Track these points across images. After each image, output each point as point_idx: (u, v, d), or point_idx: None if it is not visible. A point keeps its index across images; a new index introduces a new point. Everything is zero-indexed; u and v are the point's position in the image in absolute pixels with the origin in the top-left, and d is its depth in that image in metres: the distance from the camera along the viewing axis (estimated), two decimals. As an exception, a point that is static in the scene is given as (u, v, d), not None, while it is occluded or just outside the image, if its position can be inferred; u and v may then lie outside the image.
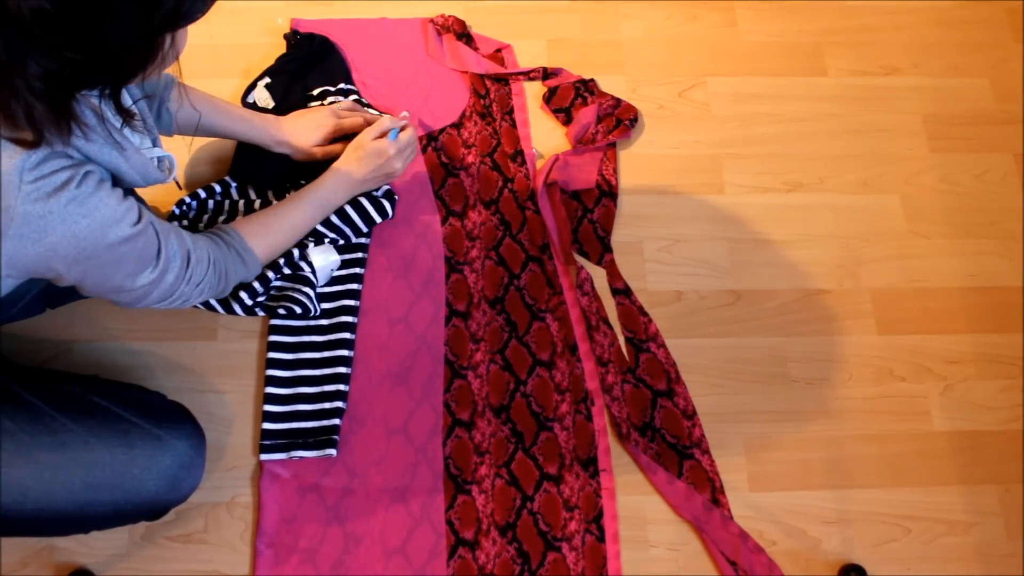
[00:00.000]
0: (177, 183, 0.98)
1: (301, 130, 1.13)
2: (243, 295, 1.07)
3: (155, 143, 0.89)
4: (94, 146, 0.74)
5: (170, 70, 0.75)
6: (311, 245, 1.10)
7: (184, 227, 1.11)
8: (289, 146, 1.13)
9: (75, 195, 0.70)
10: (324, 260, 1.10)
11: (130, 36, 0.65)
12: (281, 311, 1.08)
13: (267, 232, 1.00)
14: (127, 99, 0.83)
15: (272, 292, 1.09)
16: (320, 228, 1.11)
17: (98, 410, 0.88)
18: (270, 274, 1.07)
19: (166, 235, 0.83)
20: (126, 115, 0.76)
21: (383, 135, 1.09)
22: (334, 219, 1.11)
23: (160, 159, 0.87)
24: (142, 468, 0.87)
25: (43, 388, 0.88)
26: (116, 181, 0.80)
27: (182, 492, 0.92)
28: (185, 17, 0.68)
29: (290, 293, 1.08)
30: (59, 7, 0.59)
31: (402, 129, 1.10)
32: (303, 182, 1.15)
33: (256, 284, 1.06)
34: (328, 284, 1.12)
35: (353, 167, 1.07)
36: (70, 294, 1.05)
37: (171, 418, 0.92)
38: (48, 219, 0.70)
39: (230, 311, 1.07)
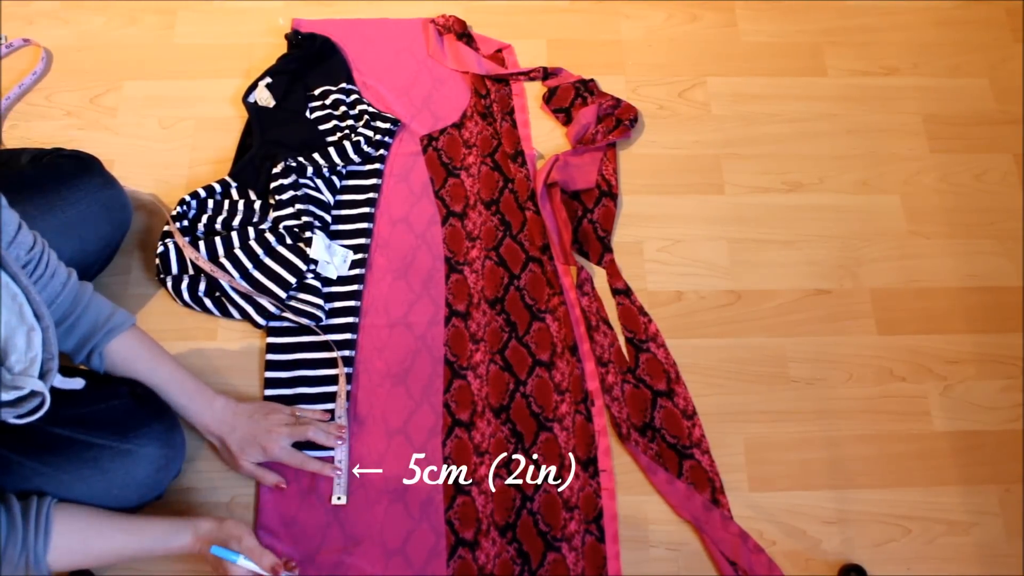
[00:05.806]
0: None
1: (245, 443, 0.97)
2: (257, 317, 1.08)
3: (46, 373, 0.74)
4: None
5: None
6: (324, 243, 1.11)
7: (184, 228, 1.11)
8: (220, 444, 0.99)
9: None
10: (341, 259, 1.13)
11: None
12: (288, 320, 1.10)
13: (81, 553, 0.83)
14: None
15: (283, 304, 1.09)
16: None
17: (62, 443, 0.86)
18: (281, 293, 1.08)
19: None
20: None
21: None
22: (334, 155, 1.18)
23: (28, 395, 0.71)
24: (120, 487, 0.87)
25: (2, 431, 0.83)
26: None
27: (165, 485, 0.93)
28: None
29: (296, 306, 1.09)
30: None
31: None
32: (304, 180, 1.16)
33: (271, 307, 1.08)
34: (329, 284, 1.13)
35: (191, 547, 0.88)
36: None
37: (137, 423, 0.89)
38: None
39: (228, 316, 1.08)
